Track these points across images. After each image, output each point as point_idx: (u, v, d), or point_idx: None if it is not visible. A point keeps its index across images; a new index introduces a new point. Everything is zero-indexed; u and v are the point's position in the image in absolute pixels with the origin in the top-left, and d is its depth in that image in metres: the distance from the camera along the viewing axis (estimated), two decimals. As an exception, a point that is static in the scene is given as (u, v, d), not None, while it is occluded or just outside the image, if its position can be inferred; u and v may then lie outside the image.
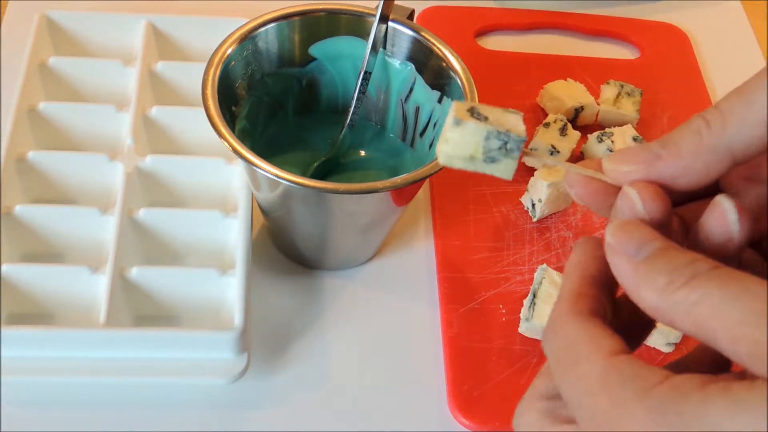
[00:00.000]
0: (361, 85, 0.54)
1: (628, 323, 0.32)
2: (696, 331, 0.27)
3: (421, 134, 0.56)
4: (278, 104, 0.57)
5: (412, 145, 0.57)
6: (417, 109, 0.56)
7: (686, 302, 0.26)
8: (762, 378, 0.25)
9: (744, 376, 0.26)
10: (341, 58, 0.57)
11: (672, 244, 0.29)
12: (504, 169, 0.32)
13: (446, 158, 0.32)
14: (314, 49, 0.56)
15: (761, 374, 0.25)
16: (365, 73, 0.54)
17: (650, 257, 0.28)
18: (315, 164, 0.55)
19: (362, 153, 0.58)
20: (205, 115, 0.48)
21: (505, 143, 0.31)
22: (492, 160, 0.32)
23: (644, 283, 0.28)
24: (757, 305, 0.25)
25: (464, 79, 0.52)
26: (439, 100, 0.54)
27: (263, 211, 0.56)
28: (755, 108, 0.29)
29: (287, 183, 0.46)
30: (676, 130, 0.30)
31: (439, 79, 0.54)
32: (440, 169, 0.48)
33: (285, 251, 0.57)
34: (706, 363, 0.33)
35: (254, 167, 0.46)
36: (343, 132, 0.55)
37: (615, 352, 0.28)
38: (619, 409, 0.27)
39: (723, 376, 0.27)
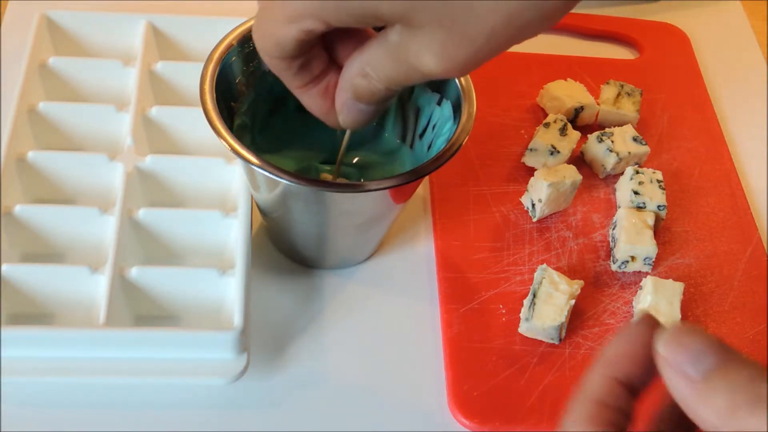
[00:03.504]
0: None
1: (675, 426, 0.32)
2: None
3: (421, 135, 0.56)
4: (279, 101, 0.57)
5: (411, 146, 0.57)
6: (417, 111, 0.56)
7: (748, 428, 0.26)
8: None
9: None
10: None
11: (728, 352, 0.28)
12: None
13: None
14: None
15: None
16: None
17: (708, 376, 0.27)
18: (313, 165, 0.55)
19: (361, 153, 0.58)
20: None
21: None
22: None
23: (703, 404, 0.27)
24: None
25: (463, 81, 0.52)
26: (439, 102, 0.54)
27: (262, 211, 0.56)
28: None
29: (284, 181, 0.46)
30: None
31: (438, 80, 0.54)
32: (437, 168, 0.48)
33: (284, 251, 0.57)
34: None
35: (251, 165, 0.46)
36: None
37: None
38: None
39: None
